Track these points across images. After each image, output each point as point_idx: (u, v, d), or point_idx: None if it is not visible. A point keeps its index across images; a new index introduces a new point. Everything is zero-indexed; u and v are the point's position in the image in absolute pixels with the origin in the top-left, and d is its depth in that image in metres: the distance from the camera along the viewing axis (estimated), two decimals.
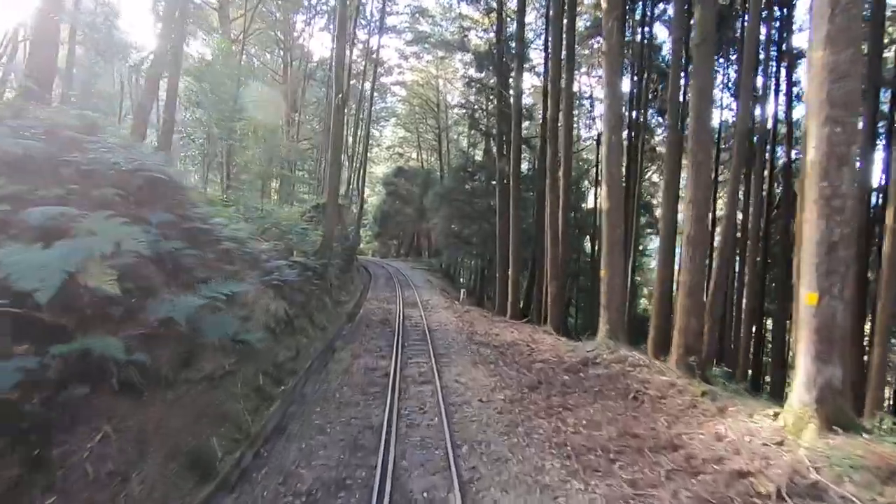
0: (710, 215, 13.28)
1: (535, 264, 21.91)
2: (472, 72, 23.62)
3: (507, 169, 16.71)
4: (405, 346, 9.64)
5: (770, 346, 17.83)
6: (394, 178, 45.79)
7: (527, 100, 24.09)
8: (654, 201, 24.74)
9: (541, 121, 20.99)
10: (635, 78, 19.99)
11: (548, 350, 9.70)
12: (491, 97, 22.71)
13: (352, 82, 35.75)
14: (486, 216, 22.51)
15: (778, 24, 17.30)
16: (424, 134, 44.21)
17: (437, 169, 43.62)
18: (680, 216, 11.38)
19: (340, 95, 14.05)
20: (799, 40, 18.42)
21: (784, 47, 16.99)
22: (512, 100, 16.28)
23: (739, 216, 16.30)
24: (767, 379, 17.22)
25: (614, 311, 9.16)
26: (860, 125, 8.24)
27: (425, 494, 4.10)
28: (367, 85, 30.43)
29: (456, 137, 43.06)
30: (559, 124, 13.10)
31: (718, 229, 15.74)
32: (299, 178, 26.40)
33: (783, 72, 17.15)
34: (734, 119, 16.29)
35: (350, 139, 34.90)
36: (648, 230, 25.03)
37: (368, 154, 46.46)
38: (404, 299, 16.64)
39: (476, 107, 22.87)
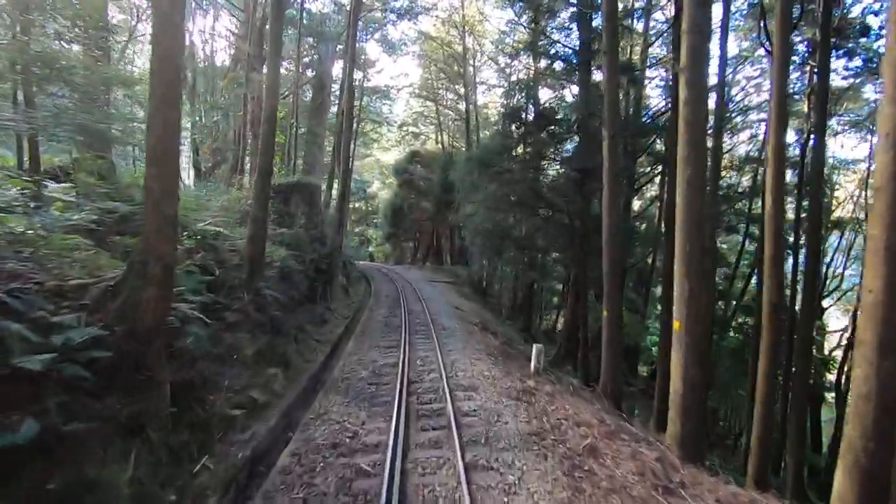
0: None
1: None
2: None
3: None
4: None
5: None
6: (407, 165, 36.59)
7: None
8: None
9: None
10: None
11: None
12: None
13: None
14: (557, 199, 12.86)
15: None
16: (445, 105, 34.78)
17: (463, 149, 34.14)
18: None
19: None
20: None
21: None
22: None
23: None
24: None
25: None
26: None
27: None
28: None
29: (485, 111, 33.41)
30: None
31: None
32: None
33: None
34: None
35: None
36: None
37: (374, 135, 37.35)
38: (413, 391, 7.11)
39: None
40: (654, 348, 26.88)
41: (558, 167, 13.96)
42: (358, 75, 31.77)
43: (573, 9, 11.69)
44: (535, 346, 8.72)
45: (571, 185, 12.72)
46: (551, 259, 19.91)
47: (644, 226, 17.81)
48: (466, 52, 28.25)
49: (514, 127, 12.87)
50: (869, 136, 18.98)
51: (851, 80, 15.53)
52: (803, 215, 14.42)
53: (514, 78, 27.38)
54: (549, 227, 13.96)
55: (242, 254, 8.41)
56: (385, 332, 11.02)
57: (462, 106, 35.79)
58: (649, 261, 20.15)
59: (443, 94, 35.02)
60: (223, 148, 20.28)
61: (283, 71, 27.02)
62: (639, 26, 18.59)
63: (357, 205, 49.78)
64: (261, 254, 8.50)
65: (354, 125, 31.66)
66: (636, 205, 19.93)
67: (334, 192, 17.27)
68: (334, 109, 34.82)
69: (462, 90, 30.85)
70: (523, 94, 12.98)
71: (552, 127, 12.07)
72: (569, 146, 13.63)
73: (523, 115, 12.85)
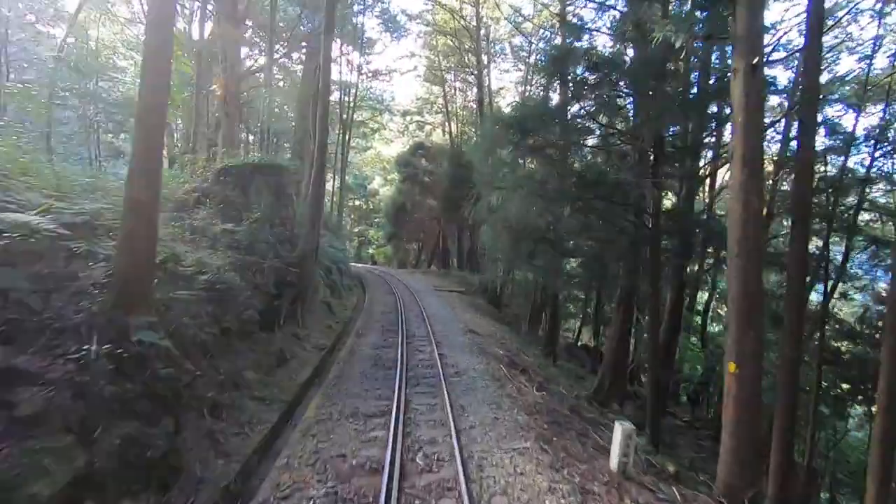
0: None
1: None
2: None
3: None
4: None
5: None
6: (411, 158, 33.04)
7: None
8: None
9: None
10: None
11: None
12: None
13: None
14: (616, 186, 9.17)
15: None
16: (454, 87, 31.12)
17: (474, 139, 30.42)
18: None
19: None
20: None
21: None
22: None
23: None
24: None
25: None
26: None
27: None
28: None
29: (498, 100, 29.70)
30: None
31: None
32: None
33: None
34: None
35: None
36: None
37: (373, 124, 33.84)
38: None
39: None
40: (693, 368, 22.94)
41: (605, 140, 10.16)
42: (355, 57, 28.29)
43: None
44: (618, 426, 5.03)
45: (636, 167, 9.02)
46: (576, 265, 16.20)
47: None
48: (480, 23, 24.58)
49: (557, 84, 8.94)
50: None
51: None
52: None
53: (533, 59, 23.73)
54: (598, 225, 10.24)
55: (114, 267, 4.78)
56: (372, 381, 7.35)
57: (472, 95, 32.17)
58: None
59: (451, 83, 31.38)
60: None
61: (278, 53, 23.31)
62: None
63: (357, 202, 46.32)
64: (146, 265, 4.86)
65: (351, 111, 28.14)
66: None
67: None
68: (333, 99, 31.15)
69: (473, 72, 27.16)
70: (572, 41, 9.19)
71: (614, 79, 8.21)
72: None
73: (572, 68, 9.00)
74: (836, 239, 12.10)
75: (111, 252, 5.11)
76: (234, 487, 4.42)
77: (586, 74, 8.34)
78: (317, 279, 12.33)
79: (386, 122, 34.26)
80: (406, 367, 7.90)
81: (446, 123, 32.01)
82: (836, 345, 12.12)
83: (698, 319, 25.20)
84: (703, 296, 21.28)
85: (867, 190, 11.45)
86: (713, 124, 10.97)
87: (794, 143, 10.20)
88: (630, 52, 8.86)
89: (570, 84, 8.66)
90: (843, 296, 13.13)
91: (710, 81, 9.02)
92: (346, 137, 28.31)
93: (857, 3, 12.14)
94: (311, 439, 5.25)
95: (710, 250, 14.38)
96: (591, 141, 10.64)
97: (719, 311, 19.90)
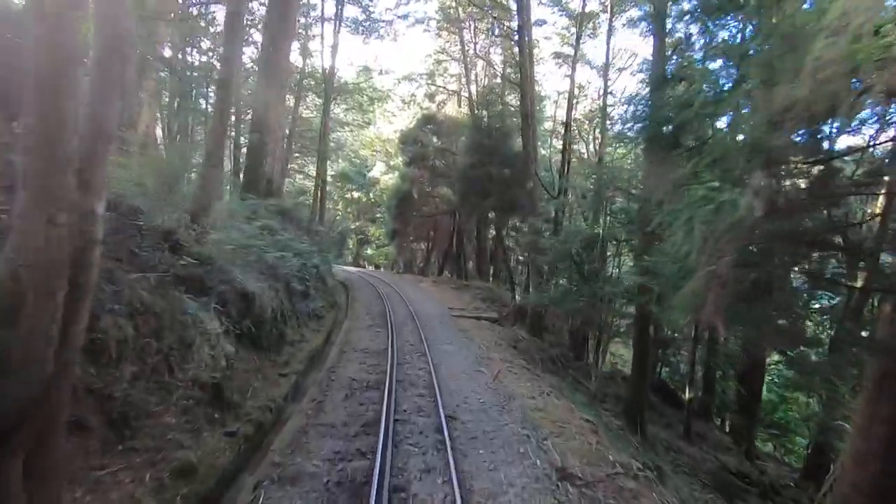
0: None
1: None
2: None
3: None
4: None
5: None
6: (419, 134, 25.95)
7: None
8: None
9: None
10: None
11: None
12: None
13: None
14: None
15: None
16: (474, 44, 23.90)
17: (502, 107, 22.77)
18: None
19: None
20: None
21: None
22: None
23: None
24: None
25: None
26: None
27: None
28: None
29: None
30: None
31: None
32: None
33: None
34: None
35: None
36: None
37: (370, 91, 26.84)
38: None
39: None
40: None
41: None
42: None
43: None
44: None
45: None
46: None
47: None
48: None
49: None
50: None
51: None
52: None
53: None
54: None
55: None
56: None
57: (496, 55, 25.00)
58: None
59: (471, 33, 24.20)
60: None
61: None
62: None
63: (356, 194, 39.34)
64: None
65: (329, 73, 21.10)
66: None
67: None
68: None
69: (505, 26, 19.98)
70: None
71: None
72: None
73: None
74: None
75: None
76: None
77: None
78: (193, 328, 5.23)
79: (387, 90, 27.22)
80: None
81: (464, 88, 24.80)
82: None
83: None
84: None
85: None
86: None
87: None
88: None
89: None
90: None
91: None
92: (328, 106, 21.37)
93: None
94: None
95: None
96: None
97: None
